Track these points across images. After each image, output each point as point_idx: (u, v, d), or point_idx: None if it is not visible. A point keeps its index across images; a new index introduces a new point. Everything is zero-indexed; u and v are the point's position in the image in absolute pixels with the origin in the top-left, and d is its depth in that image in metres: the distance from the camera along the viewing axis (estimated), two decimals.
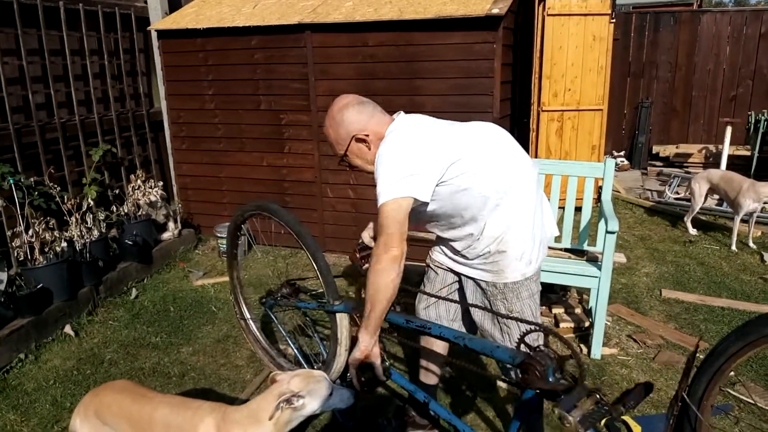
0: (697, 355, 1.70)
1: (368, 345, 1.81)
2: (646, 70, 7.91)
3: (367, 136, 1.88)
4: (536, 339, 1.75)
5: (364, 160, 1.93)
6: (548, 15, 5.18)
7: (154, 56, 4.95)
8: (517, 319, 1.60)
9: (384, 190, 1.74)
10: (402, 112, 1.97)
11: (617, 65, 7.48)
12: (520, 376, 1.41)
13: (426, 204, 1.81)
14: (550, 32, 5.22)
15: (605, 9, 5.19)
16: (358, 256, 2.35)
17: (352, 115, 1.89)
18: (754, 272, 4.14)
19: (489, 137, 1.91)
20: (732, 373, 2.77)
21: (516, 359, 1.43)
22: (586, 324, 3.26)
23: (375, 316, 1.76)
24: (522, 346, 1.49)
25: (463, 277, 2.05)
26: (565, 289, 3.61)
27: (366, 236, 2.38)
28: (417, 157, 1.76)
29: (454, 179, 1.79)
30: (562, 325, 3.28)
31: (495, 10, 3.67)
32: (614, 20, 5.24)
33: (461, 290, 2.10)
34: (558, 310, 3.40)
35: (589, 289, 3.23)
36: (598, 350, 3.00)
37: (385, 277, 1.71)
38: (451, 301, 1.83)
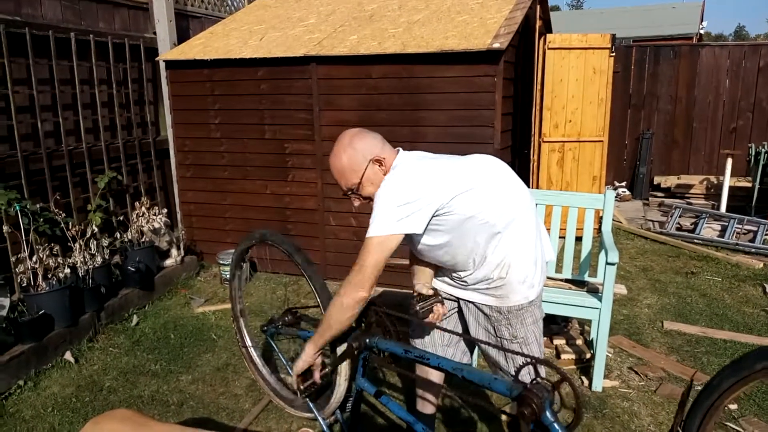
0: (696, 387, 1.69)
1: (313, 356, 2.02)
2: (646, 102, 8.00)
3: (384, 159, 1.93)
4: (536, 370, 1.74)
5: (377, 186, 1.89)
6: (549, 49, 5.28)
7: (162, 86, 5.05)
8: (512, 352, 1.60)
9: (376, 224, 1.80)
10: (401, 149, 2.01)
11: (618, 97, 7.57)
12: (517, 408, 1.41)
13: (424, 235, 1.85)
14: (551, 65, 5.31)
15: (605, 43, 5.28)
16: (417, 308, 2.01)
17: (368, 140, 1.94)
18: (757, 304, 4.12)
19: (491, 169, 1.96)
20: (735, 406, 2.77)
21: (513, 392, 1.43)
22: (588, 356, 3.24)
23: (325, 338, 1.96)
24: (521, 376, 1.49)
25: (462, 302, 2.07)
26: (566, 320, 3.60)
27: (422, 288, 2.08)
28: (417, 192, 1.80)
29: (461, 210, 1.82)
30: (563, 356, 3.27)
31: (496, 45, 3.75)
32: (614, 54, 5.33)
33: (461, 315, 2.11)
34: (559, 341, 3.39)
35: (590, 321, 3.22)
36: (599, 382, 2.98)
37: (346, 315, 1.87)
38: (450, 332, 1.84)
